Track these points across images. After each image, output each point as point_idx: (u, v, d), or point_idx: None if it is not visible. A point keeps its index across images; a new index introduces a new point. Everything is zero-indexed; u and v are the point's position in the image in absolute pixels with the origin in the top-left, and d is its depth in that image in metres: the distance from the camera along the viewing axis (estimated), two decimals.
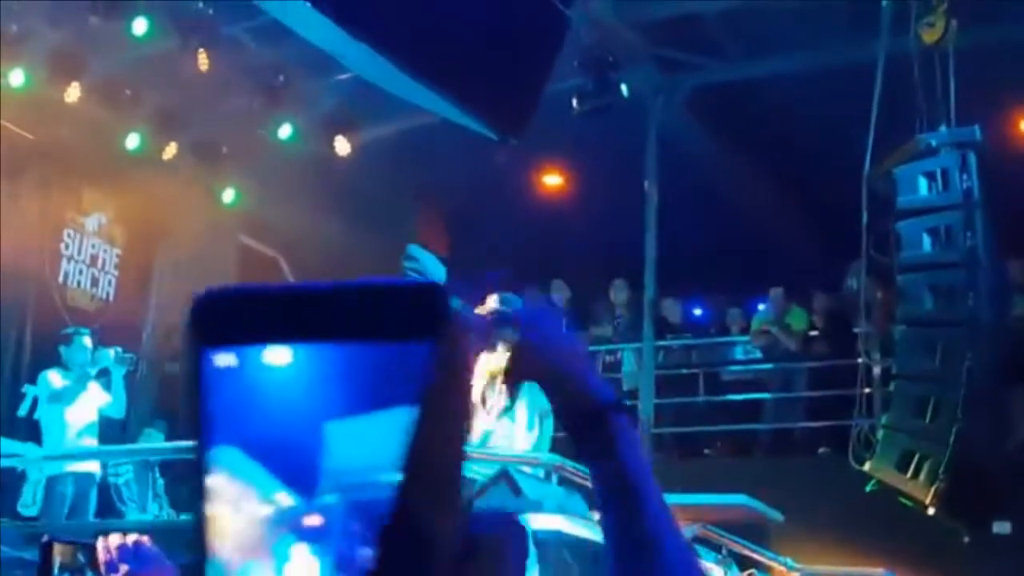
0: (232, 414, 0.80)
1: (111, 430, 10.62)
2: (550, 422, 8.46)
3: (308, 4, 7.56)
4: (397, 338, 0.77)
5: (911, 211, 10.18)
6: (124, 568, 1.90)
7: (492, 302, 5.38)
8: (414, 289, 0.79)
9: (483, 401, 7.36)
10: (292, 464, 0.80)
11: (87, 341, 10.00)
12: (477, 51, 8.62)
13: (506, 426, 8.30)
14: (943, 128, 10.27)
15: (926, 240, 10.10)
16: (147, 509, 10.94)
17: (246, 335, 0.80)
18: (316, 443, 0.80)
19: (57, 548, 1.85)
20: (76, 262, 13.21)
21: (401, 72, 8.59)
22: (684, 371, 13.73)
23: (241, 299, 0.81)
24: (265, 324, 0.80)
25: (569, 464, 6.67)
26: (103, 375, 10.00)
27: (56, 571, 1.85)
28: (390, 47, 8.20)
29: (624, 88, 12.51)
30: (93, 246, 13.37)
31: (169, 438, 11.71)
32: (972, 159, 9.95)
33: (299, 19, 8.80)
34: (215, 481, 0.81)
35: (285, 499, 0.81)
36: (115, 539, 1.91)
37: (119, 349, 10.11)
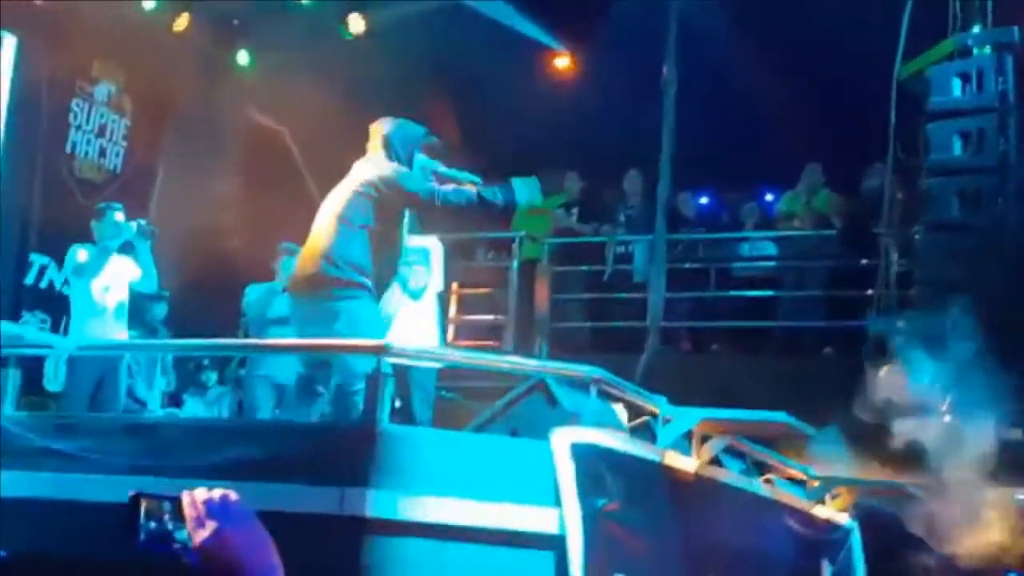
0: None
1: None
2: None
3: None
4: None
5: (942, 113, 9.92)
6: (212, 525, 1.80)
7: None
8: None
9: None
10: None
11: (119, 216, 9.74)
12: None
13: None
14: (979, 27, 9.98)
15: (956, 143, 9.85)
16: (153, 385, 10.86)
17: None
18: None
19: (144, 502, 1.87)
20: (84, 132, 12.90)
21: None
22: (695, 266, 13.54)
23: None
24: None
25: (608, 377, 6.51)
26: (127, 249, 9.76)
27: (143, 521, 1.86)
28: None
29: None
30: (102, 116, 13.03)
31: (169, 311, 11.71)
32: (1009, 61, 9.67)
33: None
34: None
35: None
36: (200, 493, 1.83)
37: (142, 221, 9.86)
